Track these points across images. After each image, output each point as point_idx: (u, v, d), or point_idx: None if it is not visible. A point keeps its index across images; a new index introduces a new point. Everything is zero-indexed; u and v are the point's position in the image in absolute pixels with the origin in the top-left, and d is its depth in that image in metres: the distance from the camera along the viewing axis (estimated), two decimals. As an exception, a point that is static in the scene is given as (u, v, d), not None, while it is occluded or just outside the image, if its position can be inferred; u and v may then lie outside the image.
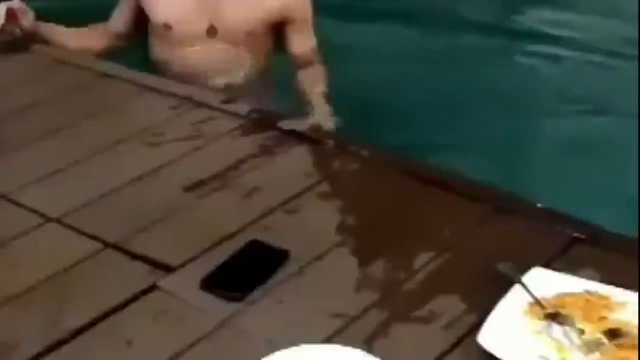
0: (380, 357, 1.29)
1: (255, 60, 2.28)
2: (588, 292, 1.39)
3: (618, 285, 1.40)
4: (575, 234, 1.54)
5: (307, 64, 2.33)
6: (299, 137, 1.89)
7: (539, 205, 1.63)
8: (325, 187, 1.74)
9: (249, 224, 1.61)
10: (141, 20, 2.31)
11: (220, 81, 2.25)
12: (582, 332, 1.32)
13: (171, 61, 2.24)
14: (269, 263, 1.51)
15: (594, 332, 1.32)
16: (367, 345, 1.33)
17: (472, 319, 1.37)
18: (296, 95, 2.30)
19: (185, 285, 1.47)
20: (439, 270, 1.50)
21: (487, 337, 1.31)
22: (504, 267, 1.45)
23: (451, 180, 1.72)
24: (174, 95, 2.04)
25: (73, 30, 2.38)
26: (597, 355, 1.29)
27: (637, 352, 1.28)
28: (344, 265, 1.53)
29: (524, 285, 1.40)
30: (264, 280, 1.47)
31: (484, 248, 1.54)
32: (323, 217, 1.65)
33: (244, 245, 1.54)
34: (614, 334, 1.31)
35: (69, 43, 2.32)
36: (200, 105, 2.01)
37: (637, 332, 1.31)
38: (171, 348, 1.34)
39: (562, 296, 1.39)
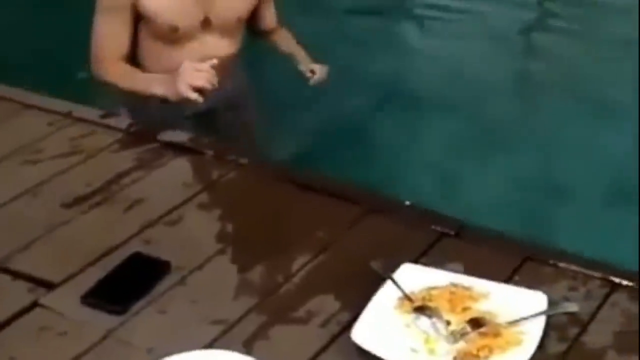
0: (259, 358, 1.34)
1: (239, 43, 2.34)
2: (453, 284, 1.48)
3: (481, 276, 1.49)
4: (442, 229, 1.63)
5: (277, 29, 2.47)
6: (177, 148, 1.93)
7: (407, 203, 1.71)
8: (204, 197, 1.78)
9: (130, 237, 1.64)
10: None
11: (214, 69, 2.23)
12: (448, 322, 1.40)
13: (173, 59, 2.21)
14: (150, 274, 1.55)
15: (458, 322, 1.40)
16: (246, 348, 1.38)
17: (346, 316, 1.44)
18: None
19: (66, 300, 1.49)
20: (315, 271, 1.56)
21: (359, 333, 1.38)
22: (375, 264, 1.52)
23: (325, 184, 1.78)
24: (53, 111, 2.05)
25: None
26: (461, 343, 1.37)
27: (498, 339, 1.37)
28: (224, 272, 1.58)
29: (393, 281, 1.48)
30: (145, 291, 1.51)
31: (357, 247, 1.61)
32: (203, 227, 1.70)
33: (125, 258, 1.57)
34: (477, 323, 1.39)
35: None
36: (79, 120, 2.02)
37: (498, 320, 1.40)
38: (54, 364, 1.37)
39: (429, 289, 1.47)
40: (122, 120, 2.02)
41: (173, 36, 2.21)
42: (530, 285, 1.47)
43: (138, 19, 2.22)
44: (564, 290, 1.48)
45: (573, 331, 1.40)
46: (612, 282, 1.49)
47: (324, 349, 1.39)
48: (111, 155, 1.92)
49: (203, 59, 2.18)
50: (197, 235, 1.67)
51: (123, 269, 1.55)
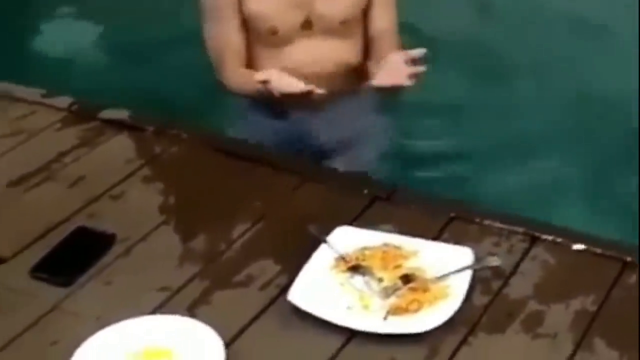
0: (203, 322, 1.41)
1: (350, 49, 2.18)
2: (385, 244, 1.56)
3: (411, 235, 1.58)
4: (374, 193, 1.71)
5: (384, 45, 2.15)
6: (119, 125, 1.98)
7: (341, 170, 1.78)
8: (146, 171, 1.84)
9: (74, 212, 1.70)
10: None
11: (318, 74, 2.14)
12: (380, 280, 1.49)
13: (275, 64, 2.13)
14: (95, 247, 1.60)
15: (390, 279, 1.49)
16: (190, 312, 1.45)
17: (284, 278, 1.52)
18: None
19: (15, 274, 1.55)
20: (255, 238, 1.64)
21: (296, 294, 1.45)
22: (312, 228, 1.59)
23: (264, 155, 1.85)
24: (-7, 93, 2.09)
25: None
26: (393, 299, 1.46)
27: (426, 293, 1.45)
28: (168, 242, 1.64)
29: (329, 243, 1.56)
30: (91, 263, 1.57)
31: (294, 214, 1.68)
32: (146, 199, 1.76)
33: (70, 233, 1.63)
34: (407, 279, 1.48)
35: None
36: (19, 100, 2.06)
37: (427, 275, 1.49)
38: (4, 335, 1.42)
39: (363, 249, 1.55)
40: (63, 100, 2.06)
41: (273, 38, 2.14)
42: (457, 242, 1.55)
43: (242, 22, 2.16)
44: (488, 246, 1.57)
45: (496, 284, 1.49)
46: (533, 236, 1.58)
47: (263, 310, 1.46)
48: (53, 134, 1.96)
49: (303, 62, 2.13)
50: (140, 208, 1.73)
51: (68, 243, 1.61)
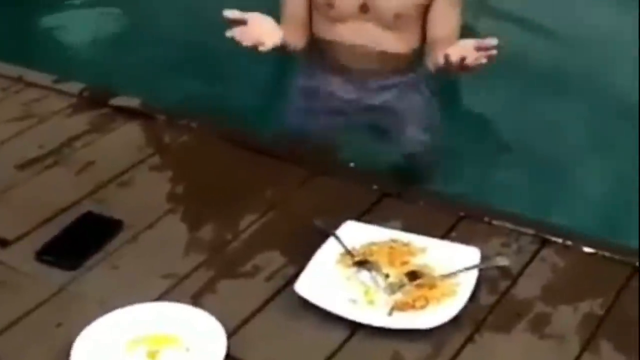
0: (207, 310, 1.41)
1: (402, 44, 2.19)
2: (393, 240, 1.55)
3: (420, 233, 1.57)
4: (384, 189, 1.70)
5: (441, 52, 2.02)
6: (130, 113, 1.97)
7: (352, 165, 1.78)
8: (156, 159, 1.84)
9: (82, 197, 1.70)
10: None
11: (367, 60, 2.22)
12: (386, 275, 1.48)
13: (329, 36, 2.24)
14: (102, 233, 1.60)
15: (397, 275, 1.48)
16: (195, 300, 1.45)
17: (291, 270, 1.51)
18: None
19: (21, 257, 1.54)
20: (262, 229, 1.63)
21: (302, 286, 1.45)
22: (319, 222, 1.59)
23: (274, 146, 1.85)
24: (4, 76, 2.08)
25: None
26: (399, 295, 1.45)
27: (433, 290, 1.45)
28: (174, 230, 1.64)
29: (336, 237, 1.55)
30: (97, 248, 1.56)
31: (303, 207, 1.68)
32: (154, 187, 1.75)
33: (78, 217, 1.62)
34: (414, 276, 1.48)
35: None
36: (30, 85, 2.06)
37: (434, 273, 1.48)
38: (9, 316, 1.42)
39: (370, 245, 1.54)
40: (74, 85, 2.06)
41: (330, 11, 2.19)
42: (465, 241, 1.55)
43: None
44: (497, 246, 1.56)
45: (504, 284, 1.48)
46: (543, 238, 1.58)
47: (268, 301, 1.46)
48: (64, 119, 1.96)
49: (359, 44, 2.18)
50: (148, 195, 1.73)
51: (76, 227, 1.61)
